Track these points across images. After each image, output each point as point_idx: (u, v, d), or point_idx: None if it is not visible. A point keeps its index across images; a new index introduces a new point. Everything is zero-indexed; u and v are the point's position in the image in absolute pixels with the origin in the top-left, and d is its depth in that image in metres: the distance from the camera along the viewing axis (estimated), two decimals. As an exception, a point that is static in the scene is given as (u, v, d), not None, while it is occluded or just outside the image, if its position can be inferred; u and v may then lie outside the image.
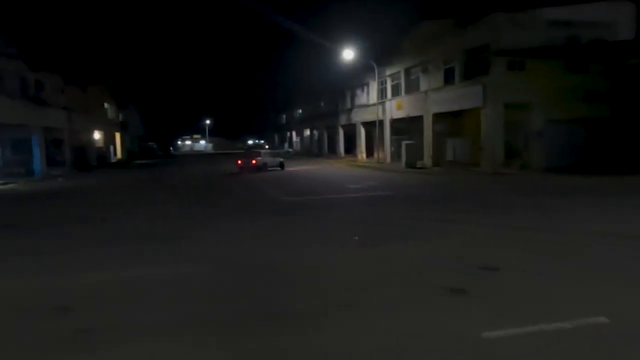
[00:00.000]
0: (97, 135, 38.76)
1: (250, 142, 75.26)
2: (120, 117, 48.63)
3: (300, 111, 61.37)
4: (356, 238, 8.00)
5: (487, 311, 4.53)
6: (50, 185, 21.02)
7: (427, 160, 26.14)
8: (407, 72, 29.36)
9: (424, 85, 27.05)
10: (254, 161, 26.93)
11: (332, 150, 45.27)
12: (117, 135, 46.99)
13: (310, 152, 52.33)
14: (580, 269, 5.92)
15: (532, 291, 5.08)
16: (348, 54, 30.57)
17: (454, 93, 23.46)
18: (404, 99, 29.48)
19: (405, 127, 28.96)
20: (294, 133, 66.62)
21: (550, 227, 8.50)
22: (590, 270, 5.83)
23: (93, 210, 12.62)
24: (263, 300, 4.97)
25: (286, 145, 71.08)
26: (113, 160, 42.72)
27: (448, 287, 5.16)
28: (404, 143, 26.12)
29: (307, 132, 57.40)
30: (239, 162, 27.41)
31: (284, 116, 73.47)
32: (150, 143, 61.25)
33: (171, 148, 68.42)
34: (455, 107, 23.61)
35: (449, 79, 24.46)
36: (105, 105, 42.88)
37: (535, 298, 4.86)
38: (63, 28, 28.46)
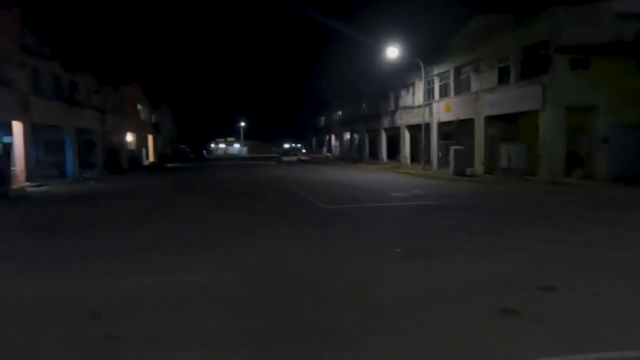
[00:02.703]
0: (129, 137, 40.19)
1: (286, 145, 76.13)
2: (153, 119, 50.25)
3: (340, 113, 61.56)
4: (398, 250, 7.95)
5: (542, 335, 4.41)
6: (82, 188, 21.96)
7: (478, 167, 25.66)
8: (457, 71, 28.99)
9: (475, 85, 26.62)
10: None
11: (374, 155, 45.14)
12: (150, 138, 48.56)
13: (350, 156, 52.35)
14: (652, 291, 5.67)
15: (594, 314, 4.91)
16: (392, 52, 30.49)
17: (509, 94, 22.96)
18: (452, 100, 29.10)
19: (454, 131, 28.55)
20: (333, 136, 66.88)
21: (617, 245, 8.18)
22: (663, 294, 5.58)
23: (125, 215, 13.11)
24: (301, 314, 5.03)
25: (325, 149, 71.43)
26: (145, 163, 44.14)
27: (500, 307, 5.06)
28: (452, 148, 25.74)
29: (347, 136, 57.48)
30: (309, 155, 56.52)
31: (323, 118, 73.91)
32: (182, 146, 62.95)
33: (204, 151, 70.08)
34: (510, 110, 23.09)
35: (503, 78, 23.97)
36: (139, 106, 44.45)
37: (596, 322, 4.70)
38: (97, 28, 29.79)
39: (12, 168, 20.87)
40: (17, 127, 22.48)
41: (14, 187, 19.32)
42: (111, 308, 5.28)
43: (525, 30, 21.92)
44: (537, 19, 21.05)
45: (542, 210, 12.88)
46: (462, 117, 27.44)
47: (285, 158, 51.76)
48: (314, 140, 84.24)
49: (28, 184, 21.67)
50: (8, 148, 19.59)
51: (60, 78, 27.59)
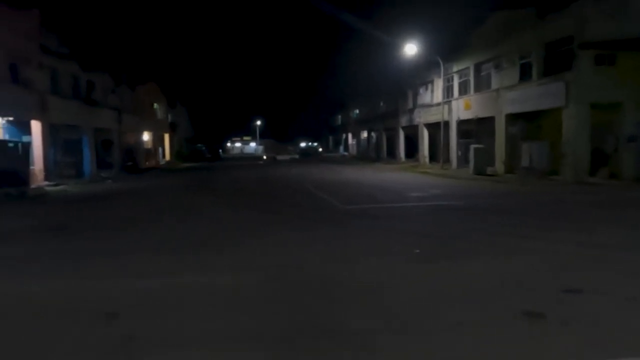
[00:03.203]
0: (146, 136, 40.63)
1: (302, 144, 76.22)
2: (170, 118, 50.73)
3: (357, 112, 61.42)
4: (417, 251, 7.89)
5: (570, 339, 4.32)
6: (100, 187, 22.29)
7: (499, 166, 25.36)
8: (477, 68, 28.67)
9: (496, 82, 26.30)
10: None
11: (392, 154, 44.93)
12: (166, 137, 49.05)
13: (367, 155, 52.19)
14: (683, 295, 5.52)
15: (621, 318, 4.79)
16: (410, 48, 30.31)
17: (531, 91, 22.64)
18: (472, 98, 28.79)
19: (474, 130, 28.26)
20: (349, 135, 66.75)
21: (645, 246, 8.01)
22: (695, 298, 5.42)
23: (142, 215, 13.25)
24: (313, 316, 5.00)
25: (341, 148, 71.32)
26: (162, 162, 44.58)
27: (524, 310, 4.97)
28: (472, 147, 25.48)
29: (364, 135, 57.33)
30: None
31: (339, 117, 73.82)
32: (198, 145, 63.39)
33: (220, 150, 70.50)
34: (532, 107, 22.76)
35: (525, 75, 23.64)
36: (155, 105, 44.93)
37: (624, 326, 4.58)
38: (114, 28, 30.20)
39: (31, 167, 21.26)
40: (35, 126, 22.89)
41: (32, 186, 19.68)
42: (127, 308, 5.32)
43: (548, 25, 21.57)
44: (560, 14, 20.70)
45: (565, 211, 12.66)
46: (482, 115, 27.14)
47: (279, 157, 58.98)
48: (330, 139, 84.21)
49: (46, 183, 22.06)
50: (27, 147, 19.95)
51: (78, 78, 28.04)
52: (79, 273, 6.96)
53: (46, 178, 22.71)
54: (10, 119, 22.56)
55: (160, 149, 46.21)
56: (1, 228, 11.12)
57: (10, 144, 19.37)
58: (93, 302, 5.60)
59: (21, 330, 4.83)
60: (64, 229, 10.90)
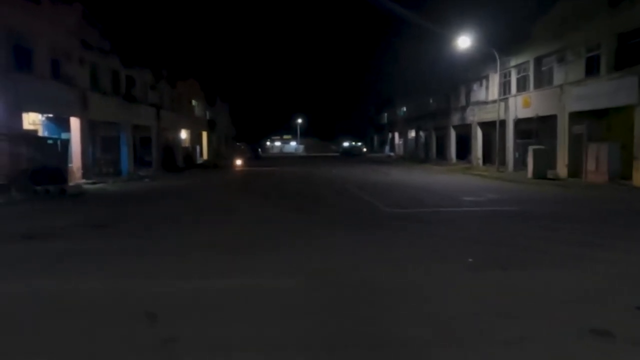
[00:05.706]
0: (183, 134, 41.61)
1: (345, 143, 76.27)
2: (208, 115, 51.80)
3: (404, 109, 60.89)
4: (470, 260, 7.74)
5: (643, 361, 4.15)
6: (137, 185, 23.00)
7: (561, 169, 24.60)
8: (538, 61, 27.95)
9: (558, 77, 25.54)
10: None
11: (442, 154, 44.32)
12: (204, 135, 50.08)
13: (415, 156, 51.65)
14: None
15: None
16: (464, 41, 29.79)
17: (599, 87, 21.85)
18: (532, 94, 28.07)
19: (534, 129, 27.52)
20: (396, 134, 66.26)
21: None
22: None
23: (182, 215, 13.59)
24: (361, 324, 5.00)
25: (387, 148, 70.87)
26: (199, 161, 45.54)
27: (590, 327, 4.80)
28: (531, 148, 24.81)
29: (412, 134, 56.75)
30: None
31: (385, 115, 73.39)
32: (238, 144, 64.54)
33: (259, 149, 71.54)
34: (600, 105, 21.96)
35: (592, 69, 22.86)
36: (193, 102, 45.96)
37: None
38: (155, 22, 31.12)
39: (69, 165, 22.14)
40: (74, 123, 23.84)
41: (71, 184, 20.50)
42: (167, 309, 5.47)
43: (621, 14, 20.77)
44: (636, 2, 19.90)
45: (637, 219, 12.14)
46: (542, 113, 26.40)
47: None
48: (375, 138, 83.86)
49: (84, 181, 22.94)
50: (66, 144, 20.78)
51: (118, 74, 29.01)
52: (121, 271, 7.19)
53: (84, 176, 23.62)
54: (50, 115, 23.58)
55: (198, 147, 47.20)
56: (41, 225, 11.64)
57: (50, 141, 20.19)
58: (133, 301, 5.78)
59: (64, 327, 5.03)
60: (103, 228, 11.29)
